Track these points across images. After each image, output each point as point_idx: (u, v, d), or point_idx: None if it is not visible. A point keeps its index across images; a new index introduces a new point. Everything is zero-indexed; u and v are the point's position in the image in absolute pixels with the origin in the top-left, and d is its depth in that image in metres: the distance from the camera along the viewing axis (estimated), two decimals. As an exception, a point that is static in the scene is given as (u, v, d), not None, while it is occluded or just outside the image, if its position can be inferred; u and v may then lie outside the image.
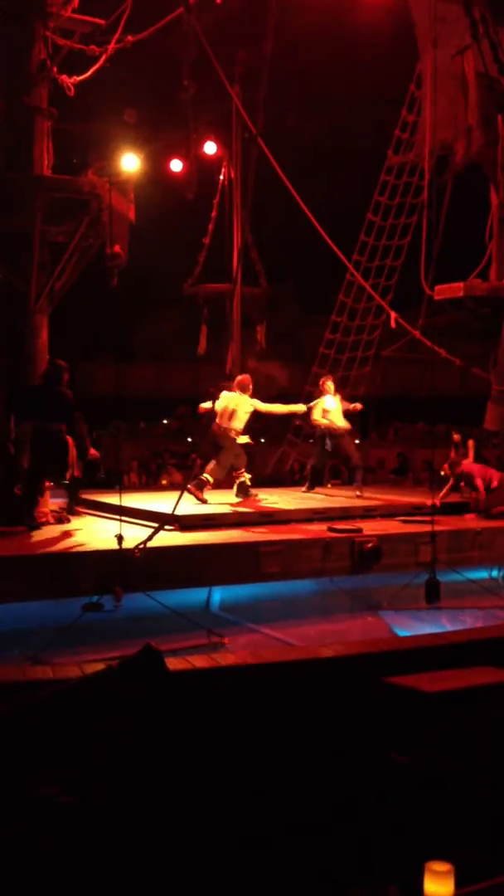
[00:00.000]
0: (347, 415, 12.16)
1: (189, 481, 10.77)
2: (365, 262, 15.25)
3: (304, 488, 12.62)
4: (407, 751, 4.58)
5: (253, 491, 11.39)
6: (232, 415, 11.21)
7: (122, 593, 7.64)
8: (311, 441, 15.35)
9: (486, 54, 11.56)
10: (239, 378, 11.80)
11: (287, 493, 12.52)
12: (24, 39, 10.18)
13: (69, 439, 9.60)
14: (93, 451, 9.94)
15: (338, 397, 12.25)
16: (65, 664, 5.62)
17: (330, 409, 12.06)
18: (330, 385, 12.28)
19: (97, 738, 4.06)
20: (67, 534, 9.43)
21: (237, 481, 11.37)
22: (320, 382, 12.66)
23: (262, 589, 9.18)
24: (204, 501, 10.79)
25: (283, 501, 11.44)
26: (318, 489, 12.55)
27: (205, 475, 11.10)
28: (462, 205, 13.71)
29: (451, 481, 11.63)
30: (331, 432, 12.06)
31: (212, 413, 11.19)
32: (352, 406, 12.26)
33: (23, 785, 3.81)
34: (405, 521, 10.47)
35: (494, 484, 11.37)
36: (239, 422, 11.25)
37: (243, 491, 11.28)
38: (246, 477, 11.39)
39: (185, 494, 9.82)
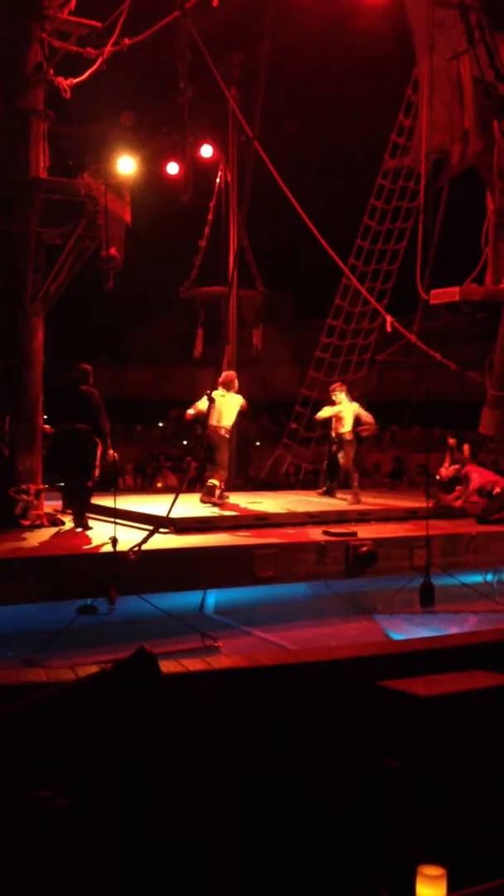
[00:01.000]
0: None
1: (185, 484, 10.79)
2: (361, 265, 15.26)
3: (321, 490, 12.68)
4: (400, 754, 4.57)
5: (226, 494, 11.46)
6: (221, 414, 11.27)
7: (117, 596, 7.63)
8: (307, 444, 15.38)
9: (482, 59, 11.57)
10: (224, 375, 11.86)
11: (283, 496, 12.52)
12: (20, 41, 10.17)
13: (97, 440, 9.82)
14: (111, 453, 10.07)
15: (353, 405, 12.42)
16: (59, 667, 5.60)
17: (341, 417, 12.24)
18: (339, 395, 12.39)
19: (91, 741, 4.05)
20: (62, 536, 9.43)
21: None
22: (331, 390, 12.76)
23: (257, 592, 9.17)
24: (222, 503, 11.00)
25: (278, 505, 11.43)
26: (306, 492, 12.58)
27: (211, 481, 11.15)
28: (458, 209, 13.73)
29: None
30: (339, 438, 12.25)
31: (204, 416, 11.22)
32: (363, 425, 12.34)
33: (17, 788, 3.80)
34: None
35: (496, 490, 11.40)
36: (228, 420, 11.34)
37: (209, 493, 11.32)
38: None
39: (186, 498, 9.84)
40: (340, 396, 12.43)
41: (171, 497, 9.27)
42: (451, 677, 5.02)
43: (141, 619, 7.80)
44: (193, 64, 10.80)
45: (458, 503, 11.53)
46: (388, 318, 14.26)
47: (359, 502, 11.73)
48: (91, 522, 9.86)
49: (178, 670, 5.14)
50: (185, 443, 21.63)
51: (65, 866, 3.76)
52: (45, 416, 10.53)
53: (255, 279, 16.52)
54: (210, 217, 16.18)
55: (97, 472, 10.00)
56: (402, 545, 9.68)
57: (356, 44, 14.47)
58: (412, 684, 4.83)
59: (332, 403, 12.50)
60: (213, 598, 9.20)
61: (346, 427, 12.23)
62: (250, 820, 4.54)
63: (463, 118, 13.16)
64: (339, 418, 12.32)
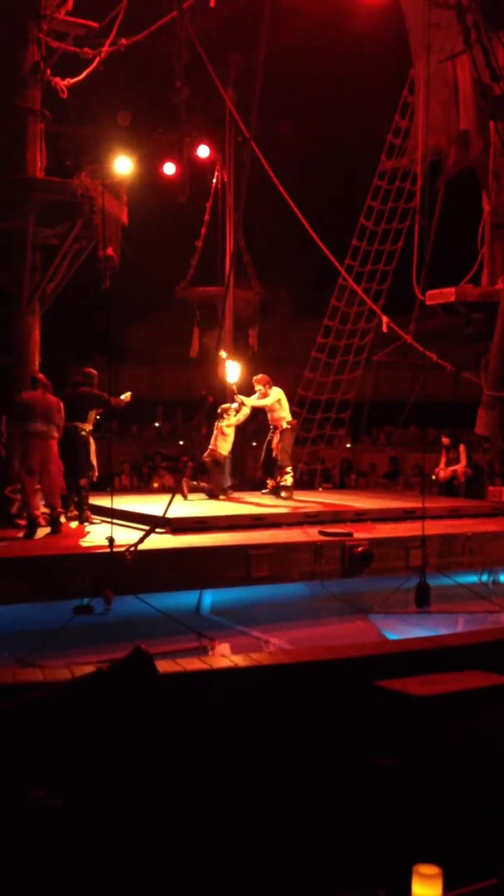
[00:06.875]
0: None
1: (181, 484, 10.86)
2: (357, 266, 15.26)
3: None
4: (396, 754, 4.58)
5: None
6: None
7: (113, 596, 7.64)
8: (303, 444, 15.37)
9: (478, 60, 11.58)
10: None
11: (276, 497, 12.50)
12: (17, 41, 10.19)
13: (90, 440, 9.96)
14: (123, 398, 10.34)
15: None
16: (55, 667, 5.61)
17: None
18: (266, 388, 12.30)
19: (87, 740, 4.05)
20: (58, 536, 9.42)
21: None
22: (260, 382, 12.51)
23: (253, 592, 9.17)
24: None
25: (274, 504, 11.44)
26: (302, 492, 12.55)
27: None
28: (454, 210, 13.75)
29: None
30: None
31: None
32: None
33: (11, 788, 3.80)
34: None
35: None
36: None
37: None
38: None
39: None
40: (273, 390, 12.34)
41: (167, 497, 9.27)
42: (447, 677, 5.03)
43: (137, 618, 7.80)
44: (190, 64, 10.82)
45: None
46: (385, 319, 14.28)
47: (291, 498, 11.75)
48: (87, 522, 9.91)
49: (175, 670, 5.14)
50: (181, 443, 21.62)
51: (59, 866, 3.76)
52: None
53: (251, 279, 16.53)
54: (206, 217, 16.19)
55: (95, 472, 10.11)
56: (398, 545, 9.68)
57: (353, 44, 14.50)
58: (408, 684, 4.84)
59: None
60: (210, 597, 9.20)
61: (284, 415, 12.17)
62: (244, 820, 4.55)
63: (459, 120, 13.19)
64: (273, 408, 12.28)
